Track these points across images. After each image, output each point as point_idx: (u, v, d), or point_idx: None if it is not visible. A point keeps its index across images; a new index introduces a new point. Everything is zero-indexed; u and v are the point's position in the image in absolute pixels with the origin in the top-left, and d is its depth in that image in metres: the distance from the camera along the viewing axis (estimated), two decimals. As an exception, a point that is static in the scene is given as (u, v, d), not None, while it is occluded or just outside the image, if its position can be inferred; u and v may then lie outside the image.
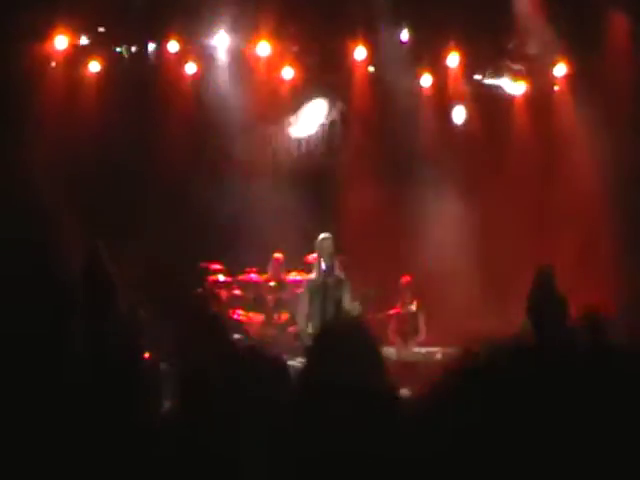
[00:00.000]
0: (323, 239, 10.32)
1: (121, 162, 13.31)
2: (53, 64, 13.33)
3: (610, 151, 12.98)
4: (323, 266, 10.27)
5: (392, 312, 12.31)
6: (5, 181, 12.01)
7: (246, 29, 13.55)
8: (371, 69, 14.22)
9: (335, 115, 14.59)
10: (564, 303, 10.46)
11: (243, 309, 12.42)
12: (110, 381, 4.60)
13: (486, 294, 12.88)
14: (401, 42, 13.81)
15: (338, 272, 10.35)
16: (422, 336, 12.38)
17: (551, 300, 10.63)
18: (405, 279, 12.56)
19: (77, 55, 13.47)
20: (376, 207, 13.64)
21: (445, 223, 13.77)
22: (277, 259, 12.63)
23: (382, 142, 14.08)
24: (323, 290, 10.45)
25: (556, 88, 14.46)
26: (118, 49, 13.64)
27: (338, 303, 10.26)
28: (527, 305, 10.70)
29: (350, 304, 10.15)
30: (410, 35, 13.76)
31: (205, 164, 13.88)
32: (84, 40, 13.43)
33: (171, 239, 12.71)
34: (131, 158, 13.33)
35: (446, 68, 14.21)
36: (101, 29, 13.27)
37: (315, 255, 10.94)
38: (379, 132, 14.16)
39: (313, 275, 10.74)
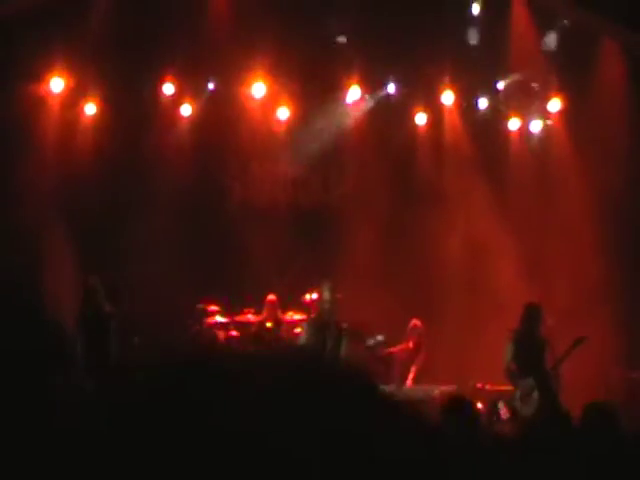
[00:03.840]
0: (326, 285, 10.44)
1: (117, 201, 13.34)
2: (49, 105, 13.38)
3: (603, 183, 13.08)
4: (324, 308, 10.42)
5: (392, 351, 12.25)
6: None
7: (241, 70, 13.62)
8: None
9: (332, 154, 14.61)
10: (543, 346, 10.60)
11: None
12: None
13: (488, 331, 12.86)
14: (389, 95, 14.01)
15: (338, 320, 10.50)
16: (410, 376, 12.35)
17: (532, 340, 10.80)
18: (413, 322, 12.57)
19: (73, 97, 13.52)
20: (376, 244, 13.63)
21: (446, 259, 13.77)
22: (271, 301, 12.58)
23: (381, 178, 14.08)
24: (323, 332, 10.48)
25: (550, 123, 14.49)
26: (114, 91, 13.69)
27: (337, 350, 10.36)
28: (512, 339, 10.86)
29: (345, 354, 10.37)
30: (404, 75, 13.88)
31: (201, 204, 13.91)
32: (80, 82, 13.46)
33: (168, 279, 12.70)
34: (127, 197, 13.36)
35: (441, 105, 14.28)
36: (96, 71, 13.29)
37: (315, 296, 10.97)
38: (377, 169, 14.18)
39: (314, 315, 10.79)
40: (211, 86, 14.00)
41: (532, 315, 10.95)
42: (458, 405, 5.28)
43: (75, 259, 12.09)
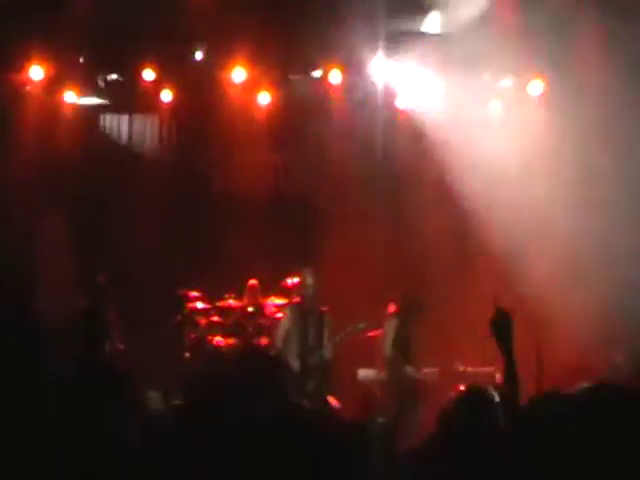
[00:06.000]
0: (307, 270, 10.54)
1: (98, 190, 13.37)
2: (28, 93, 13.37)
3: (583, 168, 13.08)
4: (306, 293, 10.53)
5: (370, 334, 12.32)
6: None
7: (222, 55, 13.61)
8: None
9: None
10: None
11: (222, 335, 12.44)
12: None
13: (469, 314, 12.92)
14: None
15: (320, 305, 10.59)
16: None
17: (405, 331, 11.04)
18: (390, 307, 12.64)
19: (53, 85, 13.51)
20: (358, 230, 13.68)
21: (430, 242, 13.81)
22: (252, 285, 12.66)
23: (363, 165, 14.10)
24: (305, 317, 10.55)
25: (530, 105, 14.49)
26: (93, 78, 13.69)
27: (319, 335, 10.44)
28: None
29: (327, 340, 10.43)
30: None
31: (183, 190, 13.95)
32: (59, 70, 13.45)
33: (150, 266, 12.76)
34: (108, 186, 13.40)
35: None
36: (76, 59, 13.27)
37: (296, 280, 11.05)
38: (359, 155, 14.19)
39: (297, 300, 10.87)
40: (191, 71, 13.97)
41: (406, 305, 11.24)
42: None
43: (55, 249, 12.13)
